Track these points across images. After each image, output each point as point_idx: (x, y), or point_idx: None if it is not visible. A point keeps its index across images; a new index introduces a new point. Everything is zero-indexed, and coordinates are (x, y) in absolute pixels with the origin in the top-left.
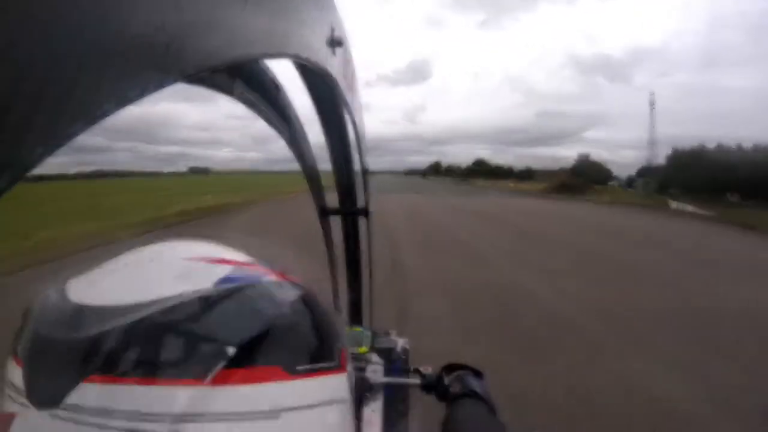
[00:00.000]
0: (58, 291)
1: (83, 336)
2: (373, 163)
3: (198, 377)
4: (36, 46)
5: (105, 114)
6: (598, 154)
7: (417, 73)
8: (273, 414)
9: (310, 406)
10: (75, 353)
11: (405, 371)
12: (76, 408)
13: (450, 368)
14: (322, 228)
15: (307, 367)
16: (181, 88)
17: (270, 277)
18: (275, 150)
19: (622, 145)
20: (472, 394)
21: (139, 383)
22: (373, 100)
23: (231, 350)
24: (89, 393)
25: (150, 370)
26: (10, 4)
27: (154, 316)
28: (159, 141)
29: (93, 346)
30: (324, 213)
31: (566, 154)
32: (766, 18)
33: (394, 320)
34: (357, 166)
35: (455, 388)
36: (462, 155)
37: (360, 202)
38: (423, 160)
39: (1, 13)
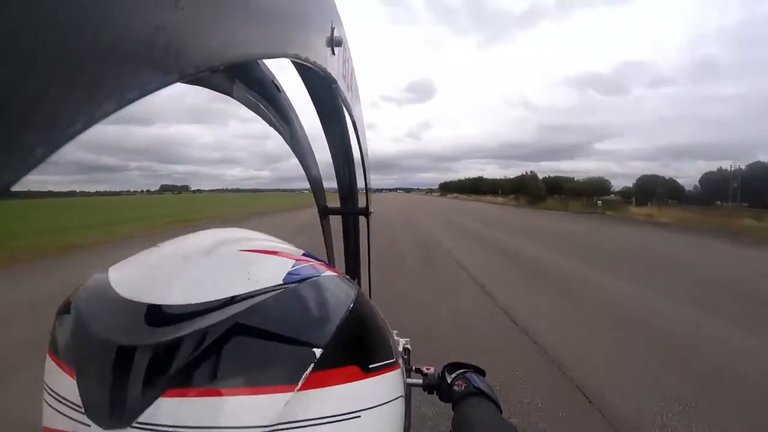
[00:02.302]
0: (103, 285)
1: (159, 341)
2: (381, 181)
3: (289, 383)
4: (36, 46)
5: (105, 114)
6: (607, 167)
7: (420, 93)
8: (355, 415)
9: (383, 404)
10: (151, 362)
11: (406, 371)
12: (151, 426)
13: (451, 367)
14: (322, 227)
15: (377, 365)
16: (192, 109)
17: (326, 270)
18: (285, 168)
19: (628, 156)
20: (478, 392)
21: (224, 394)
22: (378, 120)
23: (318, 352)
24: (167, 408)
25: (238, 378)
26: (9, 4)
27: (237, 317)
28: (172, 160)
29: (171, 353)
30: (324, 212)
31: (575, 167)
32: (744, 29)
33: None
34: (357, 165)
35: (460, 387)
36: (471, 171)
37: (360, 202)
38: (433, 177)
39: (1, 13)
